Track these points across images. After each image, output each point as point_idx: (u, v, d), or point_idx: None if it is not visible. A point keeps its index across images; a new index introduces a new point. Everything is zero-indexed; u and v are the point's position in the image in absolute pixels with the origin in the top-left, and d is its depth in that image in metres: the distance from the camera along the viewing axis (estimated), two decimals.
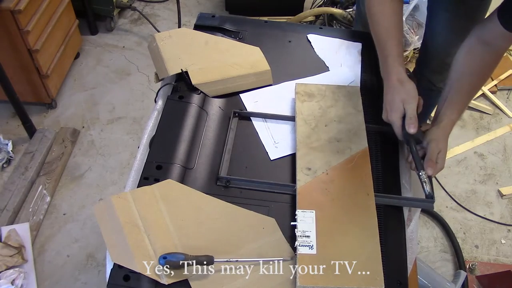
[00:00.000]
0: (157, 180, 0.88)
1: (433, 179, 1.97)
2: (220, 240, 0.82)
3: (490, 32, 0.92)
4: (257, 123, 1.04)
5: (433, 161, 0.93)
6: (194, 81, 1.04)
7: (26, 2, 1.74)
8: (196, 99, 1.03)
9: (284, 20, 2.58)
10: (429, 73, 1.52)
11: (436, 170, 0.93)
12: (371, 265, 0.79)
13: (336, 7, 2.52)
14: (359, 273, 0.78)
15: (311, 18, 2.57)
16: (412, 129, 0.93)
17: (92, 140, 2.07)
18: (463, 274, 1.66)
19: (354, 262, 0.79)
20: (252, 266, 0.79)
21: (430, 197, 0.91)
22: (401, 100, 0.95)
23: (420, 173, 0.92)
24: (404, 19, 2.21)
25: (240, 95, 1.09)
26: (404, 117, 0.95)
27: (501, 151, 2.17)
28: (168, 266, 0.75)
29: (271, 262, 0.80)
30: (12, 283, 1.52)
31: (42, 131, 2.01)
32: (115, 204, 0.83)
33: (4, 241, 1.62)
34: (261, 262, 0.80)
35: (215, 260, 0.77)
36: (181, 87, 1.05)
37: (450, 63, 1.43)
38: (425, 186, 0.91)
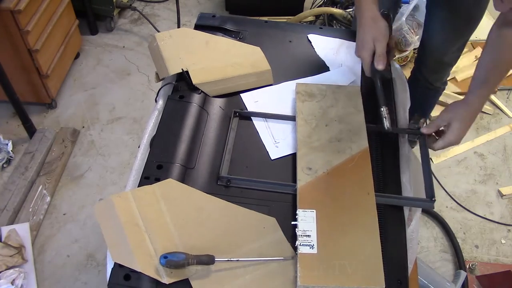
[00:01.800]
0: (157, 180, 0.88)
1: (433, 179, 1.97)
2: (220, 240, 0.82)
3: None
4: (257, 122, 1.04)
5: (431, 127, 0.98)
6: (194, 81, 1.04)
7: (26, 2, 1.74)
8: (196, 98, 1.03)
9: (284, 20, 2.58)
10: (426, 72, 1.52)
11: (444, 142, 0.96)
12: (371, 264, 0.79)
13: (336, 7, 2.52)
14: (359, 272, 0.78)
15: (311, 18, 2.58)
16: (380, 65, 0.99)
17: (92, 140, 2.07)
18: (463, 274, 1.66)
19: (355, 261, 0.79)
20: (252, 265, 0.79)
21: (390, 132, 0.98)
22: (372, 38, 1.00)
23: (382, 109, 0.99)
24: (404, 19, 2.21)
25: (241, 94, 1.09)
26: (374, 55, 1.01)
27: (501, 151, 2.18)
28: (169, 265, 0.75)
29: (271, 262, 0.80)
30: (12, 283, 1.52)
31: (42, 131, 2.00)
32: (116, 204, 0.83)
33: (4, 241, 1.62)
34: (261, 261, 0.80)
35: (215, 259, 0.77)
36: (181, 86, 1.05)
37: (447, 62, 1.42)
38: (385, 121, 0.97)
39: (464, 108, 0.96)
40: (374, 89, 1.05)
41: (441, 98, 2.26)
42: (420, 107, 1.58)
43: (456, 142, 0.95)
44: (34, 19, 1.83)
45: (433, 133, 1.01)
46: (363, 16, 1.03)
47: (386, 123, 0.97)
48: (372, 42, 1.00)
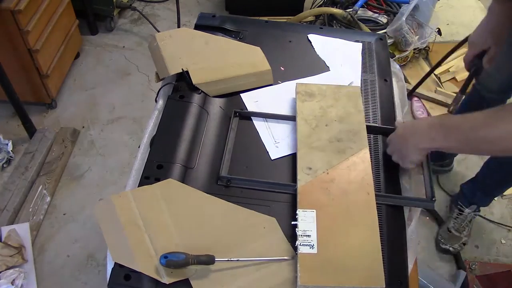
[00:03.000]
0: (157, 180, 0.88)
1: (433, 179, 1.97)
2: (221, 240, 0.82)
3: None
4: (257, 122, 1.04)
5: None
6: (194, 81, 1.04)
7: (26, 2, 1.74)
8: (196, 98, 1.03)
9: (284, 20, 2.58)
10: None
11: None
12: (371, 264, 0.79)
13: (336, 7, 2.52)
14: (359, 272, 0.78)
15: (311, 18, 2.58)
16: (487, 65, 1.17)
17: (92, 140, 2.07)
18: (462, 274, 1.66)
19: (355, 261, 0.79)
20: (252, 265, 0.79)
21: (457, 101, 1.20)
22: (493, 40, 1.14)
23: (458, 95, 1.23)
24: (404, 19, 2.21)
25: (241, 94, 1.09)
26: (483, 53, 1.17)
27: None
28: (169, 265, 0.75)
29: (271, 262, 0.80)
30: (12, 283, 1.52)
31: (42, 131, 2.00)
32: (116, 204, 0.83)
33: (4, 241, 1.62)
34: (261, 261, 0.80)
35: (216, 259, 0.77)
36: (181, 86, 1.05)
37: None
38: (454, 105, 1.22)
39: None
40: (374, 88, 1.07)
41: (441, 98, 2.27)
42: None
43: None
44: (34, 19, 1.83)
45: None
46: (495, 11, 1.15)
47: (451, 106, 1.21)
48: (491, 42, 1.14)
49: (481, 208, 1.80)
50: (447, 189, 1.99)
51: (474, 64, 1.24)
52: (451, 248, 1.74)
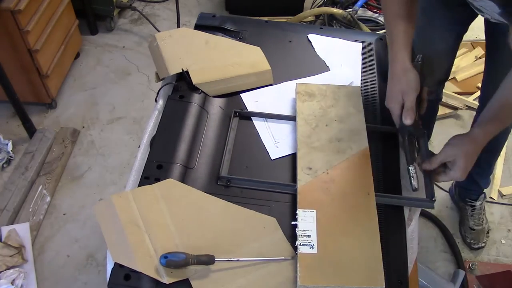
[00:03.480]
0: (157, 180, 0.88)
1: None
2: (221, 240, 0.82)
3: None
4: (257, 122, 1.04)
5: (434, 162, 0.91)
6: (194, 81, 1.04)
7: (26, 2, 1.74)
8: (196, 98, 1.03)
9: (284, 20, 2.58)
10: None
11: (449, 177, 0.91)
12: (371, 264, 0.79)
13: (336, 7, 2.52)
14: (359, 272, 0.78)
15: (311, 18, 2.58)
16: (408, 120, 0.93)
17: (92, 140, 2.07)
18: (461, 273, 1.66)
19: (355, 261, 0.79)
20: (252, 265, 0.79)
21: (415, 190, 0.91)
22: (401, 91, 0.95)
23: (410, 167, 0.92)
24: None
25: (241, 94, 1.09)
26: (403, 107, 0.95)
27: None
28: (169, 265, 0.75)
29: (271, 262, 0.80)
30: (12, 283, 1.52)
31: (42, 131, 2.00)
32: (116, 204, 0.83)
33: (4, 241, 1.62)
34: (261, 261, 0.80)
35: (216, 259, 0.77)
36: (181, 86, 1.05)
37: None
38: (412, 181, 0.91)
39: (470, 143, 0.91)
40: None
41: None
42: None
43: (462, 178, 0.90)
44: (34, 19, 1.83)
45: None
46: (394, 67, 0.98)
47: (414, 183, 0.91)
48: (400, 95, 0.95)
49: (482, 206, 1.80)
50: (447, 189, 1.99)
51: (406, 130, 0.96)
52: (482, 244, 1.77)
